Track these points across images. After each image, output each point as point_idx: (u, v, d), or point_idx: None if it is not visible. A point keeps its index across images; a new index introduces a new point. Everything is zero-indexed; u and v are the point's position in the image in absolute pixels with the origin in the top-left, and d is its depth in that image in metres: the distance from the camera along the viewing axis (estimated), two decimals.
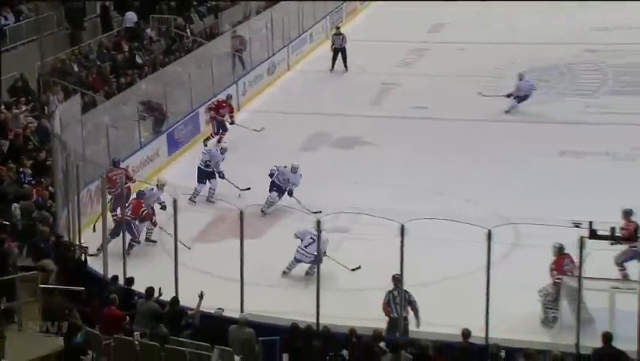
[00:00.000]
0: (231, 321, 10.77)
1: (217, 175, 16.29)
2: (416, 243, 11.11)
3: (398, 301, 11.41)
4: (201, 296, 11.00)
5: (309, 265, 13.25)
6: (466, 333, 10.34)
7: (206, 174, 16.29)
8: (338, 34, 25.15)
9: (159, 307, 10.99)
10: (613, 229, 10.14)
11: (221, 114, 19.11)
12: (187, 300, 11.13)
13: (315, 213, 14.19)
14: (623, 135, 18.91)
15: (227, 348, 10.11)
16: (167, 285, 11.52)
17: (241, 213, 11.71)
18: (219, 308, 10.90)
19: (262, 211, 15.46)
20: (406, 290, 11.44)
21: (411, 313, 11.48)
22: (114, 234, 13.58)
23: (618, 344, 10.08)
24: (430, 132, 19.75)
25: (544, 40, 26.23)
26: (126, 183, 15.00)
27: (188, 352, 9.67)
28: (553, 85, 22.95)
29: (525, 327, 11.94)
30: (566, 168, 17.44)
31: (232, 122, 19.23)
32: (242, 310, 11.26)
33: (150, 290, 11.19)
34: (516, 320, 12.19)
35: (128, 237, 13.43)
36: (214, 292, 11.38)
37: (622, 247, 12.42)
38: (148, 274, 12.09)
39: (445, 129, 19.88)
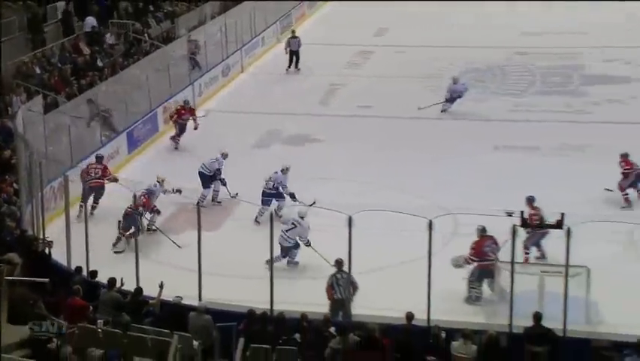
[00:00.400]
0: (190, 309, 10.75)
1: (220, 182, 15.92)
2: (363, 233, 11.20)
3: (341, 283, 11.57)
4: (161, 286, 10.94)
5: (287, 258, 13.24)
6: (410, 316, 10.45)
7: (209, 178, 15.89)
8: (294, 37, 25.18)
9: (121, 297, 10.91)
10: (541, 218, 10.34)
11: (183, 119, 18.92)
12: (148, 290, 11.06)
13: (311, 204, 13.97)
14: (551, 132, 19.25)
15: (187, 334, 10.08)
16: (129, 276, 11.44)
17: (198, 206, 11.69)
18: (177, 296, 10.85)
19: (257, 221, 14.91)
20: (348, 273, 11.57)
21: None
22: (125, 227, 13.77)
23: (547, 323, 10.30)
24: (375, 130, 19.85)
25: (478, 44, 26.53)
26: (101, 178, 15.17)
27: (149, 338, 9.60)
28: (488, 85, 23.26)
29: (463, 309, 12.13)
30: (499, 162, 17.70)
31: (196, 128, 18.98)
32: (200, 299, 11.24)
33: (112, 281, 11.10)
34: (455, 303, 12.37)
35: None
36: (174, 281, 11.33)
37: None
38: (110, 265, 11.97)
39: (389, 127, 20.03)
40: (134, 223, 13.35)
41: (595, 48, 25.41)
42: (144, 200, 14.38)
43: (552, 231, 11.12)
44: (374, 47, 27.36)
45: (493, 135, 19.18)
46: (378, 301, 11.93)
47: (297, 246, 13.40)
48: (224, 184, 15.93)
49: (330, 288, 11.67)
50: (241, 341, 9.83)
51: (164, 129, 19.94)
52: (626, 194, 15.26)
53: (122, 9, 24.78)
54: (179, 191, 14.70)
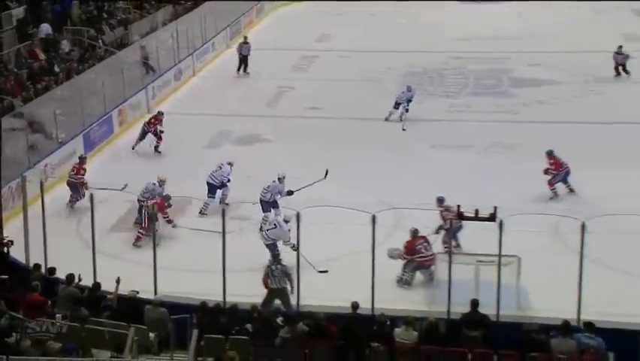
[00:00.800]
0: (146, 302, 10.63)
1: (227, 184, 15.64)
2: (310, 228, 11.23)
3: (276, 274, 11.69)
4: (118, 281, 10.80)
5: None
6: (355, 305, 10.50)
7: (216, 187, 15.51)
8: (245, 42, 25.16)
9: (79, 292, 10.75)
10: (477, 211, 10.46)
11: (153, 127, 18.50)
12: (106, 285, 10.91)
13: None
14: (484, 131, 19.52)
15: (143, 326, 9.98)
16: (86, 272, 11.27)
17: (153, 205, 11.57)
18: (133, 290, 10.74)
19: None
20: (283, 264, 11.66)
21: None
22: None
23: (482, 309, 10.45)
24: (322, 130, 19.85)
25: (416, 49, 26.77)
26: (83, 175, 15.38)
27: (106, 331, 9.49)
28: (425, 87, 23.47)
29: (405, 298, 12.24)
30: (437, 159, 17.90)
31: (160, 135, 18.54)
32: (155, 293, 11.13)
33: (70, 277, 10.93)
34: (398, 292, 12.49)
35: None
36: (130, 276, 11.20)
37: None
38: (67, 261, 11.75)
39: (335, 128, 20.07)
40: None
41: (522, 53, 25.83)
42: (159, 200, 14.10)
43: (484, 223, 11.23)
44: (318, 51, 27.41)
45: (431, 135, 19.38)
46: (325, 292, 11.99)
47: (276, 246, 13.09)
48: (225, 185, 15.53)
49: (267, 278, 11.76)
50: (195, 332, 9.76)
51: (119, 131, 19.74)
52: (554, 188, 15.56)
53: (76, 16, 24.37)
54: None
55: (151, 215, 12.96)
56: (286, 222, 13.11)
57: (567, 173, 15.51)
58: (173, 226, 14.30)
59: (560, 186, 15.60)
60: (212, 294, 10.94)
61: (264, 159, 17.82)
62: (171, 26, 25.34)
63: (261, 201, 14.48)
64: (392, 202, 14.55)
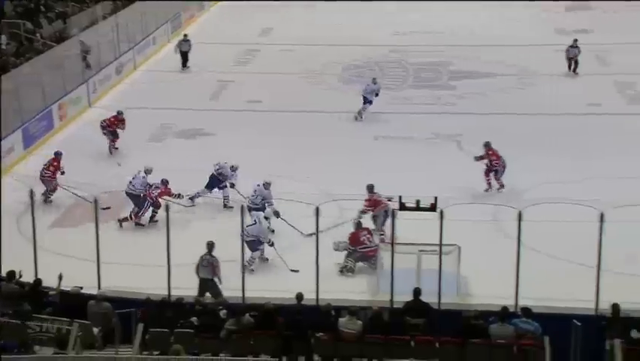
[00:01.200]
0: (90, 298, 10.46)
1: (230, 185, 15.34)
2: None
3: (205, 264, 11.71)
4: (60, 277, 10.60)
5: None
6: (299, 296, 10.52)
7: (216, 183, 15.28)
8: (185, 40, 24.85)
9: (20, 288, 10.50)
10: (418, 202, 10.59)
11: (114, 127, 17.94)
12: (47, 281, 10.69)
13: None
14: (423, 123, 19.74)
15: (86, 322, 9.81)
16: (27, 268, 11.01)
17: (95, 200, 11.38)
18: (76, 286, 10.56)
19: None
20: (213, 255, 11.65)
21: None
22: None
23: (424, 297, 10.59)
24: (264, 123, 19.80)
25: (357, 42, 26.84)
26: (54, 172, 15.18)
27: (49, 327, 9.30)
28: (367, 80, 23.51)
29: (349, 288, 12.30)
30: (379, 151, 18.03)
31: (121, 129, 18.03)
32: (99, 287, 10.95)
33: (11, 273, 10.66)
34: (342, 282, 12.57)
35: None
36: (74, 272, 11.00)
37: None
38: (8, 258, 11.46)
39: (277, 120, 20.03)
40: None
41: (459, 47, 26.16)
42: (163, 188, 14.34)
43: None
44: (260, 45, 27.28)
45: (373, 127, 19.51)
46: (269, 284, 11.98)
47: (260, 243, 12.94)
48: (232, 186, 15.24)
49: (197, 268, 11.73)
50: (140, 326, 9.64)
51: (60, 126, 19.35)
52: (489, 178, 15.78)
53: (13, 9, 23.70)
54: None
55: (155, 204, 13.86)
56: (266, 218, 12.99)
57: (504, 168, 15.62)
58: (191, 203, 14.57)
59: (493, 181, 15.73)
60: (159, 288, 10.82)
61: (207, 152, 17.63)
62: (111, 20, 24.88)
63: (249, 208, 13.59)
64: (336, 194, 14.62)
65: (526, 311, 9.99)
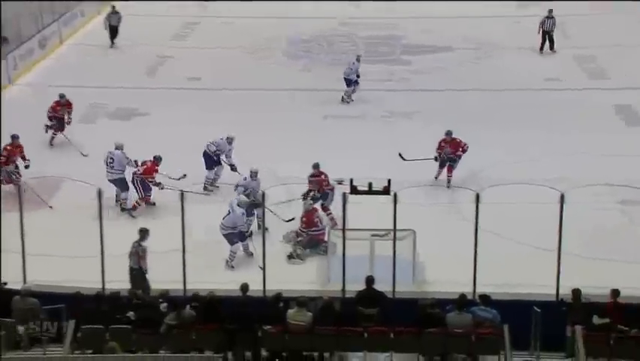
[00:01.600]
0: (15, 293, 10.30)
1: (229, 167, 15.25)
2: (199, 207, 11.16)
3: (133, 252, 11.63)
4: None
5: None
6: (244, 287, 10.53)
7: (213, 161, 15.21)
8: (114, 12, 24.36)
9: None
10: (370, 184, 10.68)
11: (60, 113, 17.43)
12: None
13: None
14: (377, 100, 19.86)
15: (11, 320, 9.67)
16: None
17: (19, 185, 11.20)
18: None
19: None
20: (141, 243, 11.62)
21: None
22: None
23: (378, 285, 10.71)
24: (205, 101, 19.68)
25: (303, 15, 26.72)
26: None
27: None
28: (314, 55, 23.61)
29: (298, 277, 12.39)
30: (329, 130, 18.10)
31: (69, 122, 17.47)
32: (25, 282, 10.79)
33: None
34: (290, 272, 12.66)
35: None
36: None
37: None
38: None
39: (219, 98, 19.91)
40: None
41: (413, 19, 26.24)
42: (149, 164, 14.26)
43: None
44: (199, 18, 27.00)
45: (323, 105, 19.55)
46: (212, 275, 11.98)
47: (240, 235, 12.81)
48: (234, 169, 15.21)
49: (129, 257, 11.69)
50: (71, 322, 9.55)
51: None
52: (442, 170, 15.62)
53: None
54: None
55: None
56: (239, 205, 12.82)
57: (459, 157, 15.41)
58: (161, 188, 14.21)
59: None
60: (93, 281, 10.74)
61: (143, 134, 17.48)
62: None
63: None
64: (284, 177, 14.66)
65: (485, 299, 10.19)
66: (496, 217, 12.25)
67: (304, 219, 13.07)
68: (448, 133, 15.49)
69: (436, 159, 15.38)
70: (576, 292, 10.36)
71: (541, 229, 11.79)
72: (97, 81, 20.94)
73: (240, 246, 12.84)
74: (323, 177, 13.91)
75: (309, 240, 13.05)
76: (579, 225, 12.43)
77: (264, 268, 11.05)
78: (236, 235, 12.74)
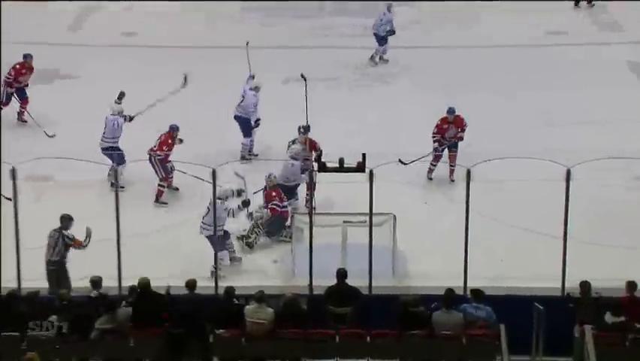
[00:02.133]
0: None
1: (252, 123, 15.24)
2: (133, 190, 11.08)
3: (51, 243, 11.54)
4: None
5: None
6: (191, 283, 10.49)
7: (249, 126, 15.32)
8: None
9: None
10: (341, 160, 10.65)
11: (20, 82, 16.85)
12: None
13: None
14: (348, 59, 19.75)
15: None
16: None
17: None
18: None
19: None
20: (65, 233, 11.52)
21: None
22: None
23: (352, 280, 10.72)
24: (141, 61, 19.55)
25: None
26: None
27: None
28: (273, 9, 23.25)
29: (256, 271, 12.45)
30: (290, 95, 17.89)
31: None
32: None
33: None
34: (247, 264, 12.68)
35: None
36: None
37: None
38: None
39: (158, 58, 19.70)
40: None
41: None
42: (164, 136, 14.22)
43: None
44: None
45: (283, 66, 19.38)
46: (155, 269, 11.87)
47: (226, 235, 12.65)
48: (257, 125, 15.42)
49: (47, 249, 11.61)
50: None
51: None
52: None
53: None
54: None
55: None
56: (220, 199, 12.44)
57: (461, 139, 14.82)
58: (172, 169, 14.21)
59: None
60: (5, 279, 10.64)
61: (69, 100, 17.30)
62: None
63: None
64: (234, 150, 14.58)
65: (477, 294, 10.23)
66: (490, 198, 12.32)
67: (266, 194, 13.10)
68: (451, 111, 14.68)
69: (439, 144, 14.49)
70: (585, 286, 10.45)
71: (543, 211, 11.88)
72: (7, 36, 20.47)
73: (226, 252, 12.56)
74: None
75: (271, 220, 12.96)
76: (587, 206, 12.51)
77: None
78: (224, 237, 12.51)
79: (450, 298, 10.16)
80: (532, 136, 15.72)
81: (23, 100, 16.78)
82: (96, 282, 10.51)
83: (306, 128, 13.91)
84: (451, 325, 10.00)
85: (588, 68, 19.09)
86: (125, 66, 19.01)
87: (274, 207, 13.02)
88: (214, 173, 11.11)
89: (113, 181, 13.62)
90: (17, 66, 16.82)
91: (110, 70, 18.88)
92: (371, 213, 10.99)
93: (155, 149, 14.14)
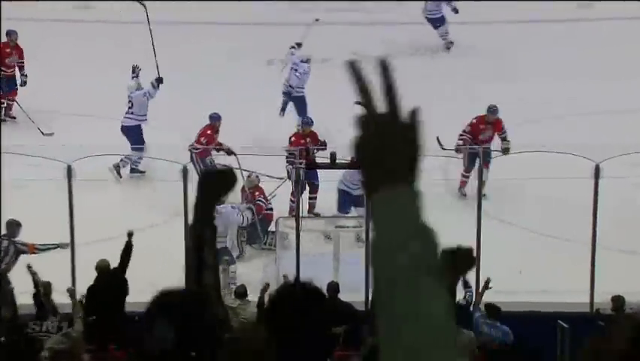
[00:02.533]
0: None
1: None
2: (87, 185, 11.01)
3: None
4: None
5: None
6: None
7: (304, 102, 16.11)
8: None
9: None
10: (333, 155, 10.57)
11: (8, 65, 16.70)
12: None
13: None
14: (338, 38, 19.75)
15: None
16: None
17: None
18: None
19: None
20: (13, 239, 11.50)
21: None
22: None
23: (345, 295, 10.71)
24: (96, 37, 19.63)
25: None
26: None
27: None
28: None
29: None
30: (276, 80, 17.83)
31: (24, 81, 16.79)
32: None
33: None
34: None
35: None
36: None
37: None
38: None
39: (117, 35, 19.64)
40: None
41: None
42: (203, 129, 14.42)
43: None
44: None
45: (266, 46, 19.35)
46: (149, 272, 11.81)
47: (252, 226, 12.85)
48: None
49: None
50: None
51: None
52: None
53: None
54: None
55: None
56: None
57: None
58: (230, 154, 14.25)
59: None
60: None
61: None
62: None
63: None
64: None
65: (492, 310, 10.20)
66: (504, 197, 12.24)
67: (259, 196, 13.19)
68: (493, 110, 14.22)
69: (464, 143, 13.71)
70: (618, 301, 10.38)
71: (567, 213, 11.80)
72: None
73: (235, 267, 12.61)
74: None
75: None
76: (618, 208, 12.43)
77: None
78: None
79: (460, 315, 10.05)
80: (555, 127, 15.64)
81: (11, 91, 16.47)
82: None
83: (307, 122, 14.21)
84: (461, 345, 9.81)
85: (618, 46, 19.00)
86: (75, 45, 19.03)
87: (260, 203, 13.02)
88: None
89: (134, 167, 14.57)
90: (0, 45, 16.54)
91: (57, 45, 18.76)
92: (368, 216, 10.88)
93: (196, 144, 14.13)
